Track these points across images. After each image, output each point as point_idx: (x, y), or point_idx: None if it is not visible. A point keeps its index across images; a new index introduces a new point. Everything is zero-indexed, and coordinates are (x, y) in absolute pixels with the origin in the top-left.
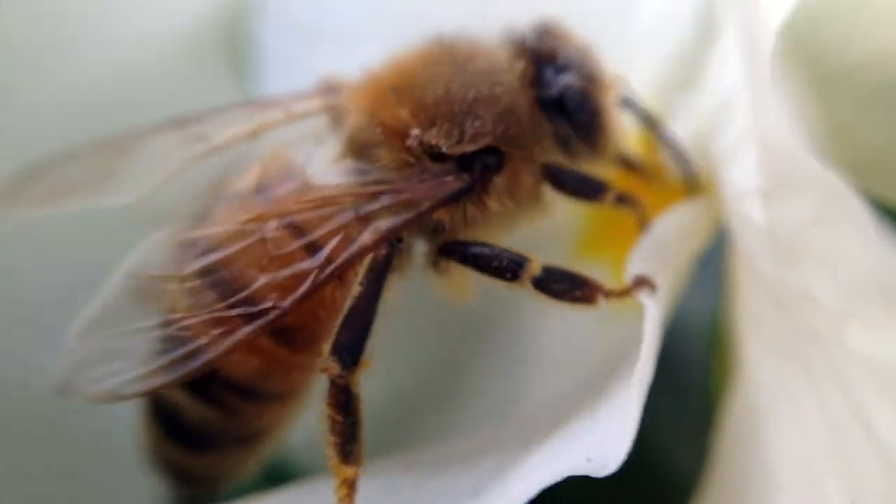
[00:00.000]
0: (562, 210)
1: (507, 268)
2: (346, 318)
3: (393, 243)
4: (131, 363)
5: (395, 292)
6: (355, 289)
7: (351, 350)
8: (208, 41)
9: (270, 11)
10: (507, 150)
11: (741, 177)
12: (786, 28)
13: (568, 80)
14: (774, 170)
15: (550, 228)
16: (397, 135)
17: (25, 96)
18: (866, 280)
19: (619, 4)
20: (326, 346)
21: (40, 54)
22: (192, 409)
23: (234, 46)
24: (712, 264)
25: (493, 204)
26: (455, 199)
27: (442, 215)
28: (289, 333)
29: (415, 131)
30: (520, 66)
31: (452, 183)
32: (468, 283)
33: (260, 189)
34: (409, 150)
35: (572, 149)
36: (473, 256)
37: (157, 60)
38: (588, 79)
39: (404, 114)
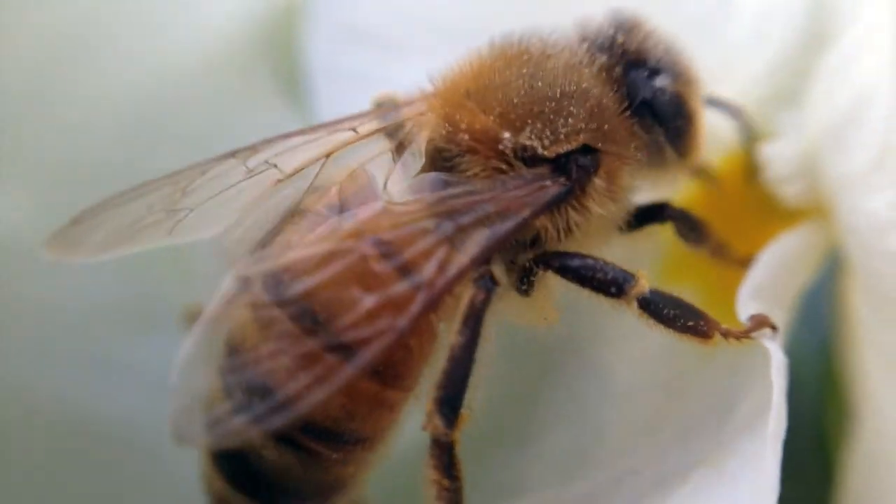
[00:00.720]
0: (644, 232)
1: (612, 281)
2: (447, 370)
3: (489, 287)
4: (235, 405)
5: (491, 338)
6: (453, 338)
7: (453, 405)
8: (253, 47)
9: (322, 18)
10: (602, 147)
11: (882, 207)
12: None
13: (662, 83)
14: None
15: (632, 251)
16: (487, 140)
17: (65, 99)
18: None
19: (715, 4)
20: (429, 403)
21: (86, 54)
22: (268, 455)
23: (280, 53)
24: (818, 294)
25: (594, 207)
26: (555, 204)
27: (543, 223)
28: (381, 366)
29: (506, 135)
30: (602, 61)
31: (551, 187)
32: (552, 304)
33: (341, 210)
34: (500, 155)
35: (663, 154)
36: (575, 267)
37: (202, 64)
38: (681, 81)
39: (491, 118)
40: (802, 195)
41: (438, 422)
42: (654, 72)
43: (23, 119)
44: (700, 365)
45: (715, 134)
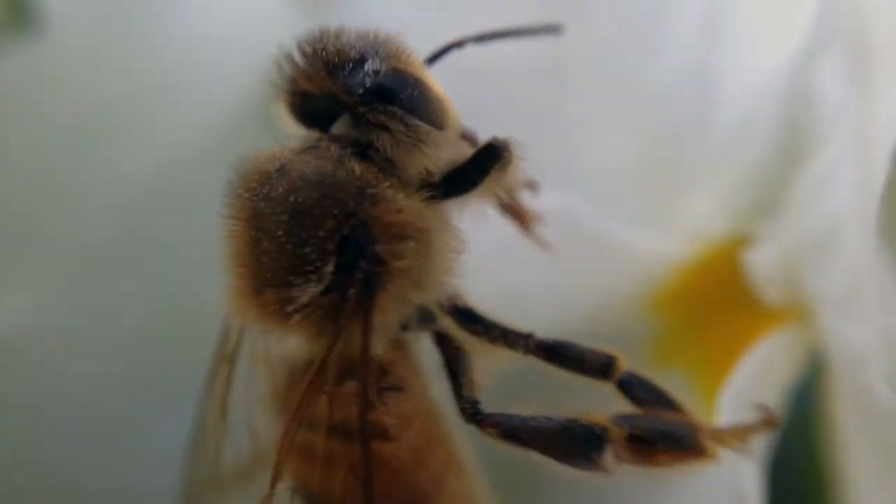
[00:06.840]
0: (634, 310)
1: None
2: None
3: None
4: None
5: None
6: None
7: None
8: (260, 117)
9: None
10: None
11: (859, 341)
12: None
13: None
14: None
15: (620, 331)
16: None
17: (68, 182)
18: None
19: (696, 110)
20: None
21: (91, 140)
22: None
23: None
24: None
25: (395, 263)
26: (366, 299)
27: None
28: None
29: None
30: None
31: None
32: None
33: None
34: (287, 318)
35: (420, 136)
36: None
37: (210, 138)
38: (391, 58)
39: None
40: (783, 299)
41: None
42: (360, 63)
43: (34, 206)
44: None
45: (700, 225)
